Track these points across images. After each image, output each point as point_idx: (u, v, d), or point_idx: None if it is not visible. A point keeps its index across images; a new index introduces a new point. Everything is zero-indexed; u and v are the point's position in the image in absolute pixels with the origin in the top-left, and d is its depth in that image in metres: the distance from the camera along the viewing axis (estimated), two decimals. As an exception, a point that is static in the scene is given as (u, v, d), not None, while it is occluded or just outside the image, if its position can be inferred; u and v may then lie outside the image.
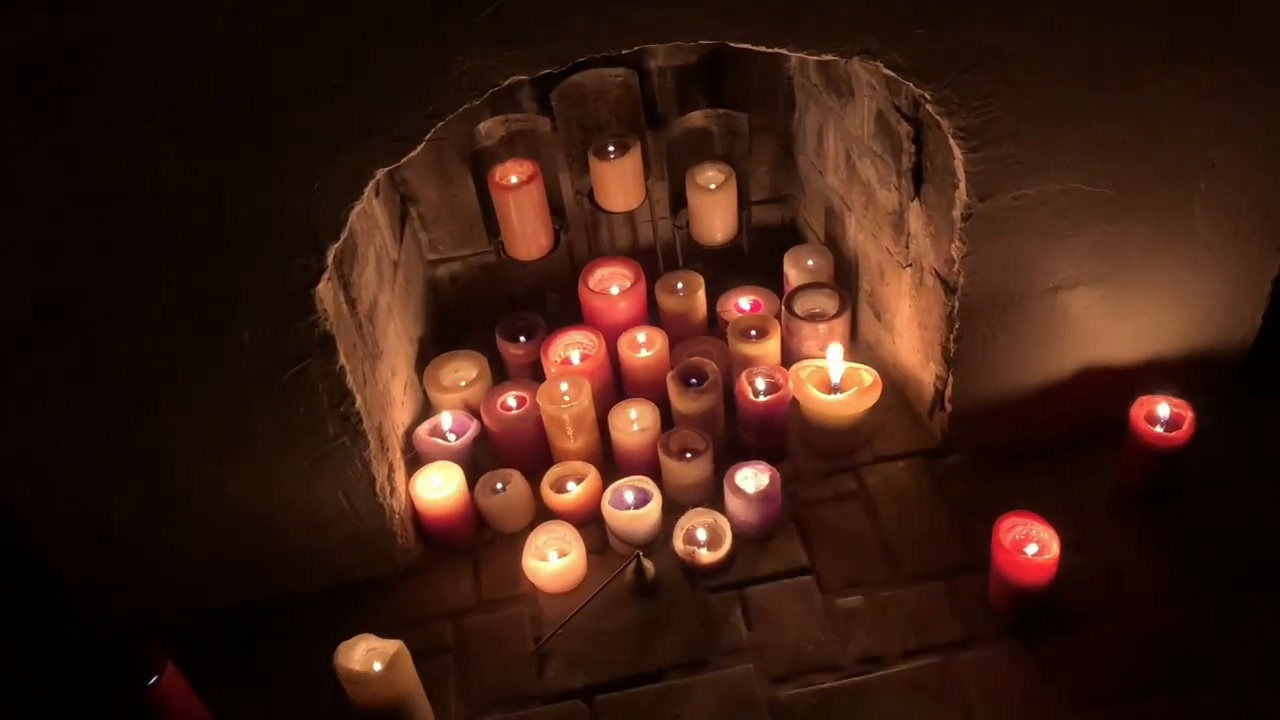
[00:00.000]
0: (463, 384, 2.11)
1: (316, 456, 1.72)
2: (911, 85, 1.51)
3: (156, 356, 1.57)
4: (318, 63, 1.36)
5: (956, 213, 1.66)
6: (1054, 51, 1.51)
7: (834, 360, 1.95)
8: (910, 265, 1.90)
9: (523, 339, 2.14)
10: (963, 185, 1.62)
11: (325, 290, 1.57)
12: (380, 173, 1.48)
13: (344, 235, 1.51)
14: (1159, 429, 1.79)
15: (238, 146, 1.41)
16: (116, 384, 1.58)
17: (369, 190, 1.51)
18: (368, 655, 1.59)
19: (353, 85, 1.38)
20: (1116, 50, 1.53)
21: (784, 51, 1.46)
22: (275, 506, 1.77)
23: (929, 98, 1.52)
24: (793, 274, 2.16)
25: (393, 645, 1.59)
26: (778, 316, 2.08)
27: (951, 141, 1.57)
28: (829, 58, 1.48)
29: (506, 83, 1.42)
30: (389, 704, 1.59)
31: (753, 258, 2.29)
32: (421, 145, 1.47)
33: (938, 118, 1.55)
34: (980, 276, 1.72)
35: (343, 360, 1.63)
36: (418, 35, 1.37)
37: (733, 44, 1.45)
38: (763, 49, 1.46)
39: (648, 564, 1.83)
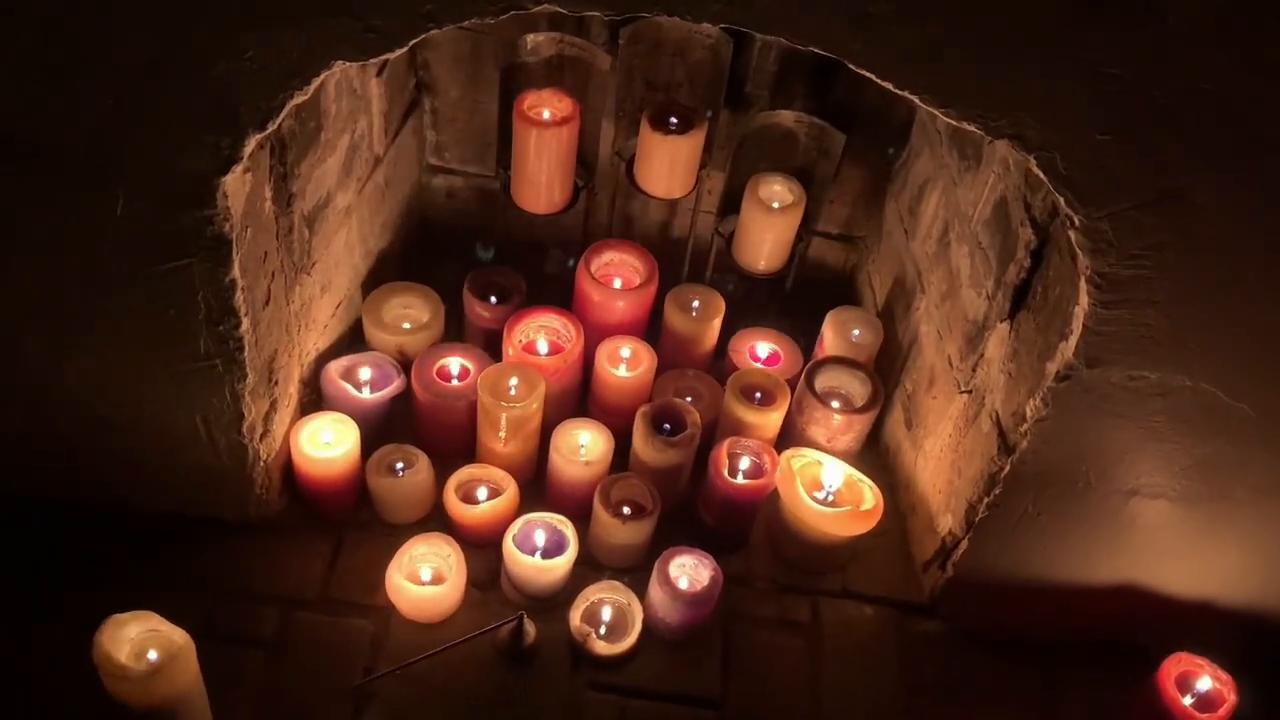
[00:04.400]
0: (406, 325, 1.74)
1: (179, 371, 1.37)
2: (1061, 200, 1.11)
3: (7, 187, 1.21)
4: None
5: (1052, 366, 1.27)
6: (1255, 215, 1.11)
7: (834, 469, 1.58)
8: (969, 393, 1.51)
9: (494, 300, 1.76)
10: (1074, 339, 1.23)
11: (235, 185, 1.20)
12: (339, 65, 1.09)
13: (273, 127, 1.14)
14: (1189, 700, 1.43)
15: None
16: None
17: (332, 80, 1.13)
18: (141, 639, 1.25)
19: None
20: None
21: (911, 98, 1.06)
22: (118, 408, 1.43)
23: (1077, 223, 1.12)
24: (830, 339, 1.76)
25: (178, 637, 1.25)
26: (792, 383, 1.69)
27: (1081, 283, 1.18)
28: (968, 126, 1.08)
29: (535, 9, 1.03)
30: (149, 710, 1.25)
31: (795, 296, 1.90)
32: (404, 49, 1.08)
33: (1077, 249, 1.15)
34: (1050, 449, 1.34)
35: (235, 273, 1.27)
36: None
37: (851, 65, 1.05)
38: (888, 86, 1.06)
39: (530, 627, 1.48)
